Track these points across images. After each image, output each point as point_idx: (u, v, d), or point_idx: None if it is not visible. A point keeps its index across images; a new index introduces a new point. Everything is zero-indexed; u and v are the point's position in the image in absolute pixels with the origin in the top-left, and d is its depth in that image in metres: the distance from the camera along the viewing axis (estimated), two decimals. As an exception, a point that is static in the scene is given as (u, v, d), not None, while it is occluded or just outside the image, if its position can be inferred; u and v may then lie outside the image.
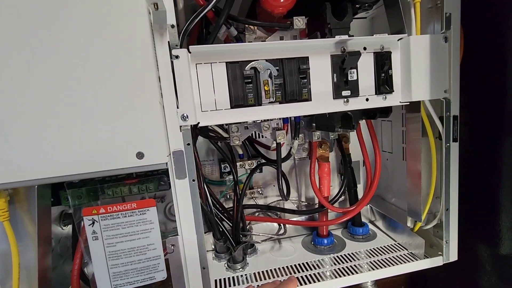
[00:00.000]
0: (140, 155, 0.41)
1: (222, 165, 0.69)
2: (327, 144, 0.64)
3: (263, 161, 0.66)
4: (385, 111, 0.54)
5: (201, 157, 0.71)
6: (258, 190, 0.73)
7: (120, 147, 0.40)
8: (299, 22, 0.49)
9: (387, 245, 0.66)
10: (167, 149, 0.43)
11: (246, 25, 0.50)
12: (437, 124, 0.53)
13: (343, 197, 0.73)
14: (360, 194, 0.75)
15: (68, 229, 0.59)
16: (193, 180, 0.45)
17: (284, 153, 0.61)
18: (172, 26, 0.41)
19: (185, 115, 0.43)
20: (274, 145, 0.56)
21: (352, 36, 0.49)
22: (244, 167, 0.66)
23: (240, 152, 0.68)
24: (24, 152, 0.38)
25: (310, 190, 0.76)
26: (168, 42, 0.41)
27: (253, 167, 0.66)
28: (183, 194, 0.45)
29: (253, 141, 0.68)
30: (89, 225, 0.46)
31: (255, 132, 0.69)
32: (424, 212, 0.57)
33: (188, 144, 0.44)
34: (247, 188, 0.70)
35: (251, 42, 0.53)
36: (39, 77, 0.37)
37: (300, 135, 0.61)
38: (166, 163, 0.42)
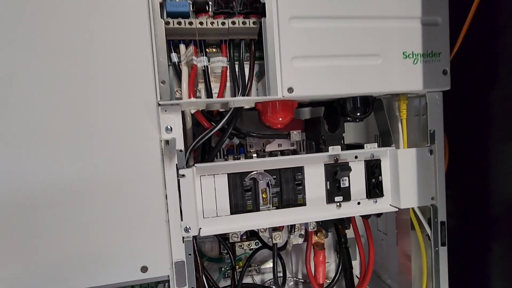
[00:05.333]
0: (144, 269, 0.44)
1: (221, 246, 0.71)
2: (323, 232, 0.67)
3: (260, 244, 0.68)
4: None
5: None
6: (255, 268, 0.75)
7: (126, 262, 0.43)
8: (296, 135, 0.53)
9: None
10: (170, 261, 0.46)
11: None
12: (425, 227, 0.56)
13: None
14: (356, 269, 0.77)
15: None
16: (192, 288, 0.47)
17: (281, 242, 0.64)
18: (180, 150, 0.46)
19: (187, 227, 0.47)
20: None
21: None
22: (243, 247, 0.69)
23: (239, 232, 0.71)
24: (35, 271, 0.42)
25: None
26: (176, 164, 0.46)
27: (251, 247, 0.69)
28: (182, 301, 0.47)
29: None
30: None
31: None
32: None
33: (190, 255, 0.47)
34: (246, 267, 0.72)
35: (252, 145, 0.57)
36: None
37: (296, 225, 0.64)
38: (168, 275, 0.45)
